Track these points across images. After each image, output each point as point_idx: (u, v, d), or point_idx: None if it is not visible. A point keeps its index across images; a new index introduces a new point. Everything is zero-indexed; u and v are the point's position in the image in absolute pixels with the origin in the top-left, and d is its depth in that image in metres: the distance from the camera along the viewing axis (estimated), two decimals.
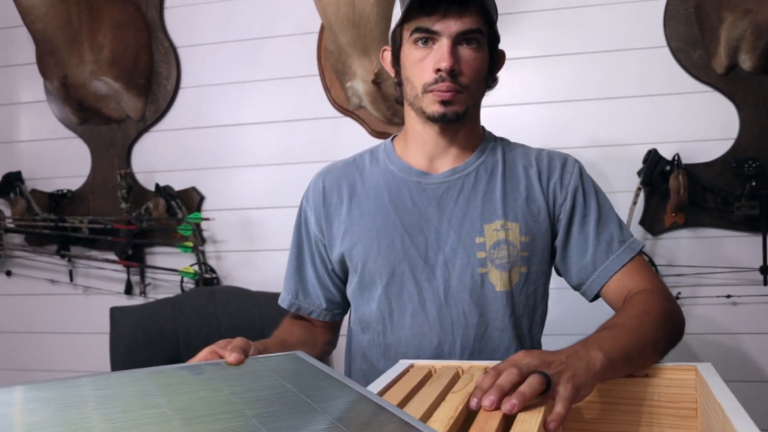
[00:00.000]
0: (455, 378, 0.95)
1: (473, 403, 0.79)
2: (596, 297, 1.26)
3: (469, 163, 1.27)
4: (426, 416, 0.78)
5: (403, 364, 1.05)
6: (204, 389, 0.82)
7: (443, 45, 1.14)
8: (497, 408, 0.77)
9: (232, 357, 0.94)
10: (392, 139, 1.36)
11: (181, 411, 0.72)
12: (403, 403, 0.83)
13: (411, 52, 1.19)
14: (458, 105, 1.18)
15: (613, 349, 0.93)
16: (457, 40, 1.15)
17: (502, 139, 1.34)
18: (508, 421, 0.75)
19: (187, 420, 0.69)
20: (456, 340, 1.24)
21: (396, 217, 1.26)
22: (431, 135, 1.26)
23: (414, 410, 0.79)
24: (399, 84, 1.26)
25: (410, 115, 1.27)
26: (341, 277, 1.35)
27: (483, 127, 1.34)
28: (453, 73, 1.15)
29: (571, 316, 1.97)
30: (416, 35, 1.17)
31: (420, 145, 1.28)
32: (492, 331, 1.24)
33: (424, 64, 1.17)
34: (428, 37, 1.16)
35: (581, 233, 1.25)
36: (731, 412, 0.75)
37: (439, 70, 1.15)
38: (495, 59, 1.25)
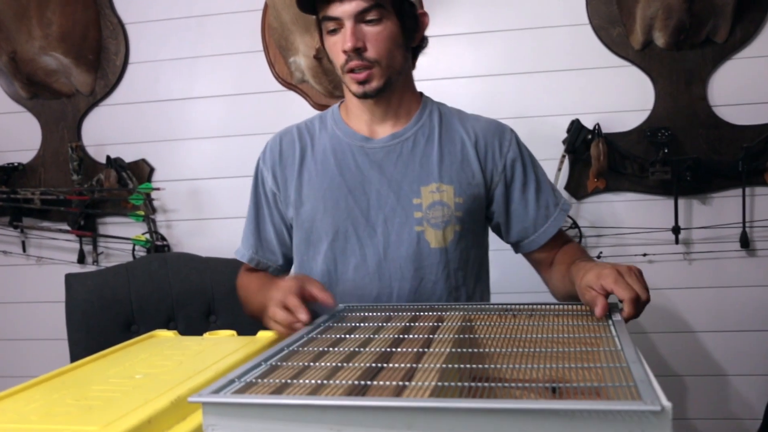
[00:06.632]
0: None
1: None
2: (527, 252, 1.41)
3: (408, 129, 1.36)
4: None
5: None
6: None
7: (346, 28, 1.23)
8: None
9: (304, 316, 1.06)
10: (339, 105, 1.44)
11: None
12: None
13: (327, 39, 1.29)
14: (375, 81, 1.27)
15: None
16: (359, 18, 1.23)
17: (439, 104, 1.42)
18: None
19: None
20: (393, 291, 1.34)
21: (341, 179, 1.34)
22: (366, 106, 1.35)
23: None
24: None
25: (347, 89, 1.35)
26: None
27: (421, 93, 1.42)
28: (359, 51, 1.23)
29: (513, 276, 2.03)
30: (326, 23, 1.26)
31: (359, 114, 1.37)
32: (426, 284, 1.34)
33: (337, 48, 1.26)
34: (336, 23, 1.25)
35: (522, 199, 1.37)
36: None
37: (345, 51, 1.24)
38: (411, 24, 1.30)
